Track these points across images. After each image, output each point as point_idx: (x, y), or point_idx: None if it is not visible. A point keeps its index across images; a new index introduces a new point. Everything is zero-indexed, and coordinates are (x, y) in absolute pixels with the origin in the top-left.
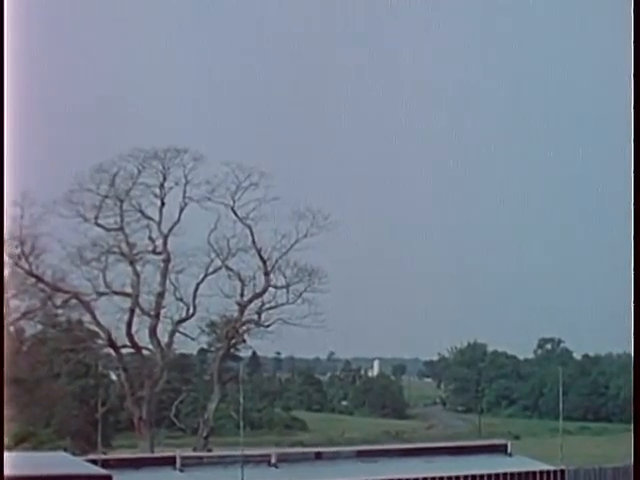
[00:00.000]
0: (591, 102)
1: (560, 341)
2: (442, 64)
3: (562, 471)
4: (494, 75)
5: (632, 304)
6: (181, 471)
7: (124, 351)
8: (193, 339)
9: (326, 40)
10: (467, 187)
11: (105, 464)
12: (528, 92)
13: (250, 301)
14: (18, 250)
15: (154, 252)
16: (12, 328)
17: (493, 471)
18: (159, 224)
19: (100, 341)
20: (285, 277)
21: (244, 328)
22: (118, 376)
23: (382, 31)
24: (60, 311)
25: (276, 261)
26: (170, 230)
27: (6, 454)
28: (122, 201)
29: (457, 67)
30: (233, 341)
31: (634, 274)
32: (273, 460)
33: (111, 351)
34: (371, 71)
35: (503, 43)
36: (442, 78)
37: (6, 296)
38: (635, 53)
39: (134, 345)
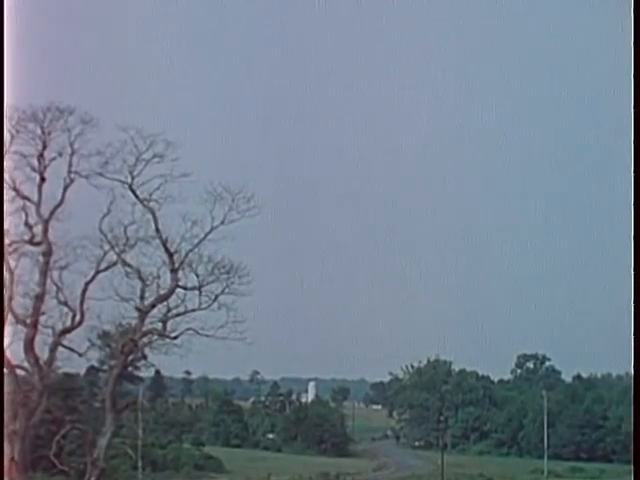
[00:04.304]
0: (591, 103)
1: (545, 358)
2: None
3: None
4: (493, 76)
5: (632, 305)
6: None
7: None
8: (80, 354)
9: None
10: (431, 181)
11: None
12: (528, 93)
13: (153, 306)
14: None
15: (31, 242)
16: None
17: None
18: (38, 206)
19: None
20: (197, 275)
21: (145, 340)
22: None
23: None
24: None
25: (186, 255)
26: (52, 214)
27: None
28: None
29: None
30: (131, 357)
31: (634, 279)
32: None
33: None
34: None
35: (502, 45)
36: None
37: None
38: (635, 53)
39: (5, 363)
